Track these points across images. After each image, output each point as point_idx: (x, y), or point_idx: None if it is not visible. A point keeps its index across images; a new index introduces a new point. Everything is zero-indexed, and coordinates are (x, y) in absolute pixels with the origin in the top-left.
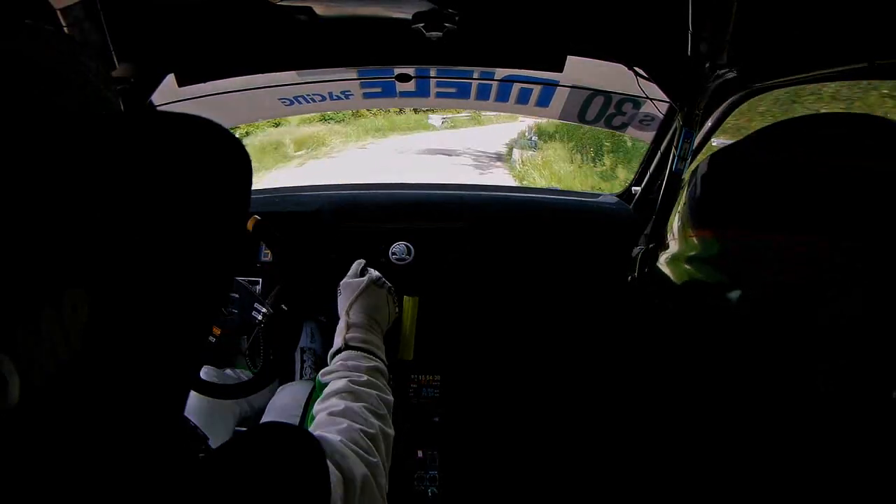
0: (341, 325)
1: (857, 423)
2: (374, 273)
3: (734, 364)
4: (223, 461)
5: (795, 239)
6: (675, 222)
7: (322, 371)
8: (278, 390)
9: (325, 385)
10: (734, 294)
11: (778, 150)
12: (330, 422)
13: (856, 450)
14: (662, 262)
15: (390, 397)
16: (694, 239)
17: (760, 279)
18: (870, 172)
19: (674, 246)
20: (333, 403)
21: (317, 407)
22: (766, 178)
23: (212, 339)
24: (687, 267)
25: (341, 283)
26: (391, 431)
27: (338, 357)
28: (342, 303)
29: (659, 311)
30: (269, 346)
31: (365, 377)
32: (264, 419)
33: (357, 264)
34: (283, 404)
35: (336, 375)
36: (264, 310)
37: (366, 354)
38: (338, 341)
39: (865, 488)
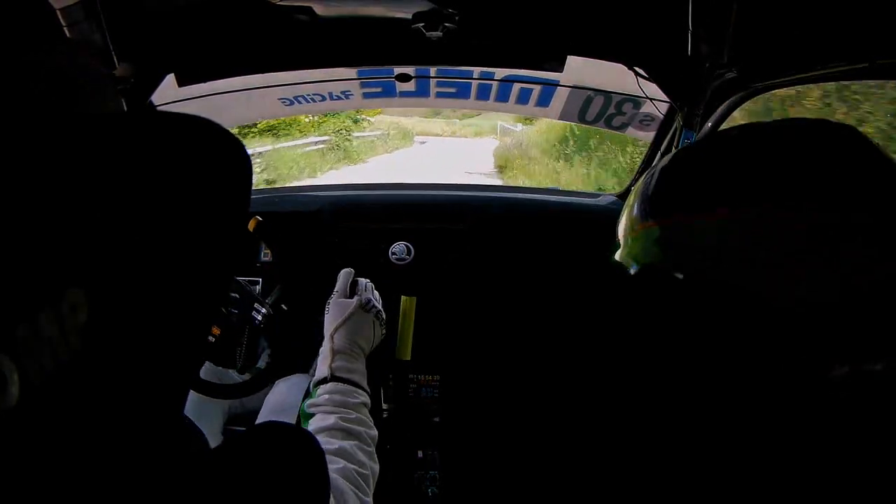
0: (326, 351)
1: (811, 411)
2: (365, 296)
3: (716, 355)
4: (224, 461)
5: (740, 212)
6: (621, 224)
7: (308, 402)
8: (275, 385)
9: (311, 416)
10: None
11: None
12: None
13: (824, 441)
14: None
15: (375, 432)
16: (639, 232)
17: (700, 257)
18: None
19: (622, 250)
20: (326, 440)
21: None
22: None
23: (211, 338)
24: (633, 254)
25: (330, 301)
26: (377, 468)
27: (324, 389)
28: (328, 323)
29: (652, 306)
30: (268, 346)
31: (354, 414)
32: (262, 415)
33: (345, 275)
34: (280, 400)
35: (323, 410)
36: (264, 310)
37: (353, 388)
38: (322, 370)
39: (862, 484)
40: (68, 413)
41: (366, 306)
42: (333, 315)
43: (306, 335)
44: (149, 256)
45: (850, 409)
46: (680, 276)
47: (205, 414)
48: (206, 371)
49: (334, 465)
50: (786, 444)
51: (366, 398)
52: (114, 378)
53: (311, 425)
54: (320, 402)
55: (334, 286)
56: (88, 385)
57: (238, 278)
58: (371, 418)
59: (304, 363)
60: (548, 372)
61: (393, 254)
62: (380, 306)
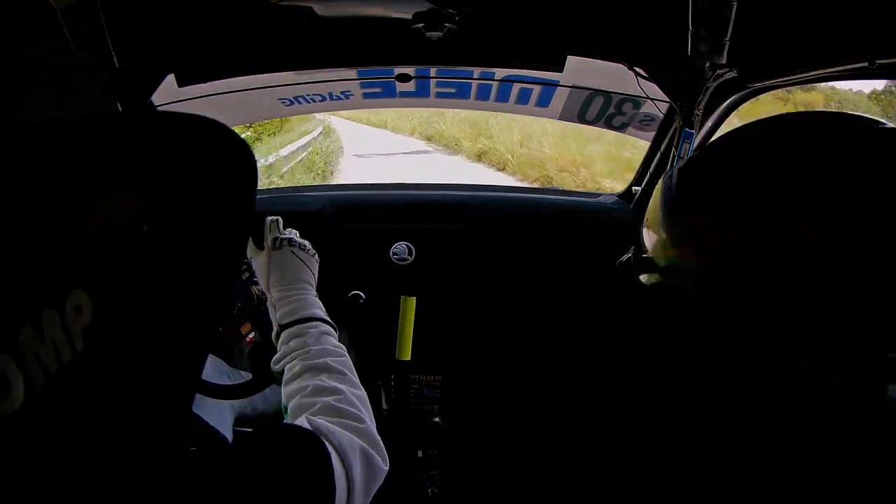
0: (269, 306)
1: (843, 420)
2: (268, 239)
3: (724, 356)
4: (227, 462)
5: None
6: (646, 228)
7: (273, 360)
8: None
9: (282, 372)
10: (707, 276)
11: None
12: (305, 406)
13: (846, 448)
14: (643, 277)
15: (346, 357)
16: (664, 236)
17: (739, 259)
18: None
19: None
20: (299, 387)
21: (284, 399)
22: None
23: (252, 334)
24: (660, 258)
25: (249, 258)
26: (361, 392)
27: (279, 342)
28: (261, 284)
29: (651, 306)
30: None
31: (312, 349)
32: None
33: (269, 222)
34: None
35: (286, 360)
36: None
37: (304, 325)
38: (274, 326)
39: (862, 487)
40: (73, 414)
41: (275, 245)
42: (257, 272)
43: None
44: (154, 257)
45: (848, 409)
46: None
47: (213, 415)
48: (214, 371)
49: (314, 407)
50: (783, 444)
51: (323, 327)
52: (118, 379)
53: (284, 381)
54: (280, 356)
55: (336, 286)
56: (93, 386)
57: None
58: (341, 346)
59: None
60: (548, 372)
61: (394, 254)
62: (292, 235)
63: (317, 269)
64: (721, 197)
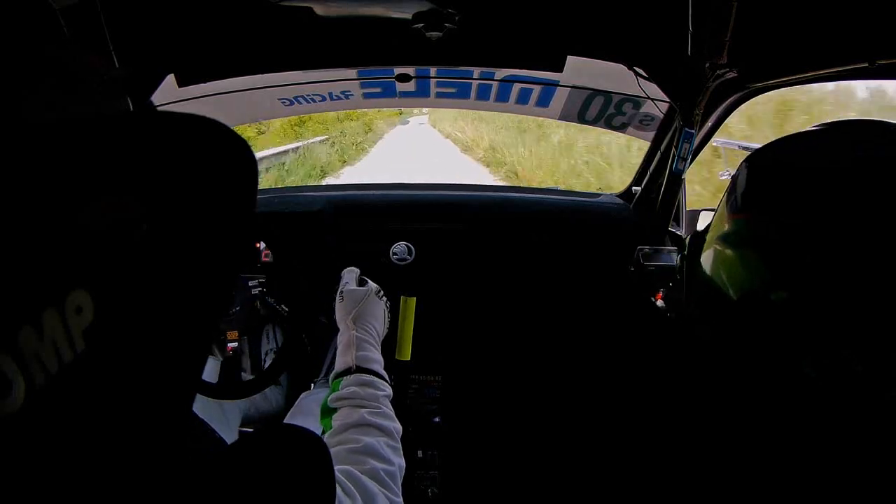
0: (347, 340)
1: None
2: (373, 284)
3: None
4: (226, 462)
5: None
6: (711, 216)
7: (332, 396)
8: (300, 397)
9: (334, 410)
10: (769, 277)
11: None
12: (353, 460)
13: (860, 453)
14: (701, 259)
15: (399, 426)
16: (729, 223)
17: (802, 263)
18: None
19: (711, 234)
20: (353, 438)
21: (331, 440)
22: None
23: (233, 344)
24: (722, 250)
25: (343, 290)
26: (404, 463)
27: (348, 381)
28: (343, 311)
29: (664, 319)
30: (273, 318)
31: (382, 408)
32: (287, 418)
33: (351, 272)
34: (300, 410)
35: (349, 404)
36: (256, 280)
37: (377, 379)
38: (346, 360)
39: (866, 489)
40: (73, 415)
41: (378, 293)
42: (349, 302)
43: (307, 334)
44: (154, 257)
45: (848, 408)
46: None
47: (219, 417)
48: (212, 371)
49: (363, 466)
50: (781, 443)
51: (389, 390)
52: (118, 379)
53: (336, 420)
54: (346, 396)
55: (335, 286)
56: (93, 387)
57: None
58: (393, 411)
59: (305, 362)
60: (548, 372)
61: (394, 254)
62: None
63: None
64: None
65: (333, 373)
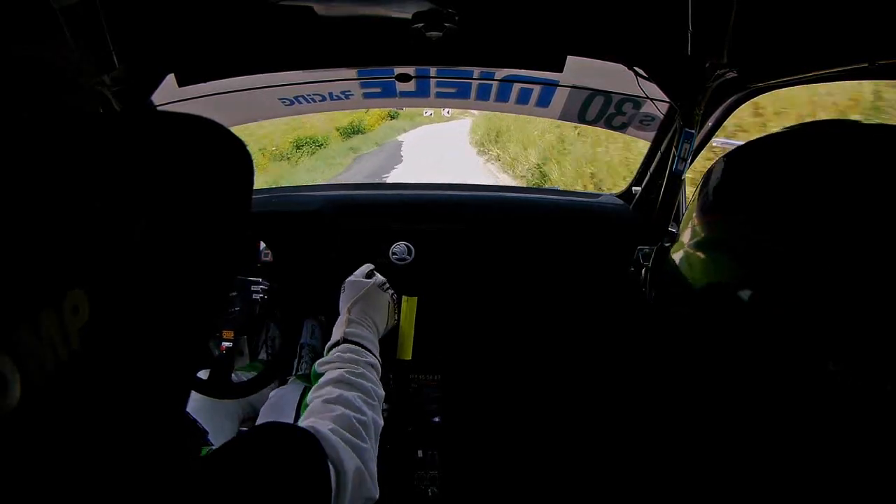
0: (341, 320)
1: (869, 423)
2: (380, 277)
3: (742, 358)
4: (225, 461)
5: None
6: (684, 217)
7: (319, 361)
8: (271, 394)
9: (321, 374)
10: (742, 278)
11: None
12: (324, 408)
13: (865, 452)
14: (672, 255)
15: (382, 391)
16: (700, 226)
17: (771, 260)
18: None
19: (682, 237)
20: (328, 391)
21: (312, 394)
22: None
23: (228, 343)
24: (694, 253)
25: (346, 280)
26: (381, 421)
27: (335, 349)
28: (344, 300)
29: (660, 311)
30: (273, 320)
31: (360, 369)
32: (261, 416)
33: (366, 266)
34: (275, 406)
35: (333, 366)
36: (263, 285)
37: (363, 349)
38: (336, 334)
39: (872, 488)
40: (69, 413)
41: (382, 286)
42: (350, 291)
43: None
44: (150, 257)
45: (846, 407)
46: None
47: (216, 417)
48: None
49: (332, 413)
50: (780, 442)
51: (374, 360)
52: (114, 378)
53: (320, 380)
54: (331, 360)
55: (336, 286)
56: (89, 385)
57: (241, 278)
58: (378, 380)
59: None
60: (548, 372)
61: (393, 254)
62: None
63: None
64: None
65: (327, 345)
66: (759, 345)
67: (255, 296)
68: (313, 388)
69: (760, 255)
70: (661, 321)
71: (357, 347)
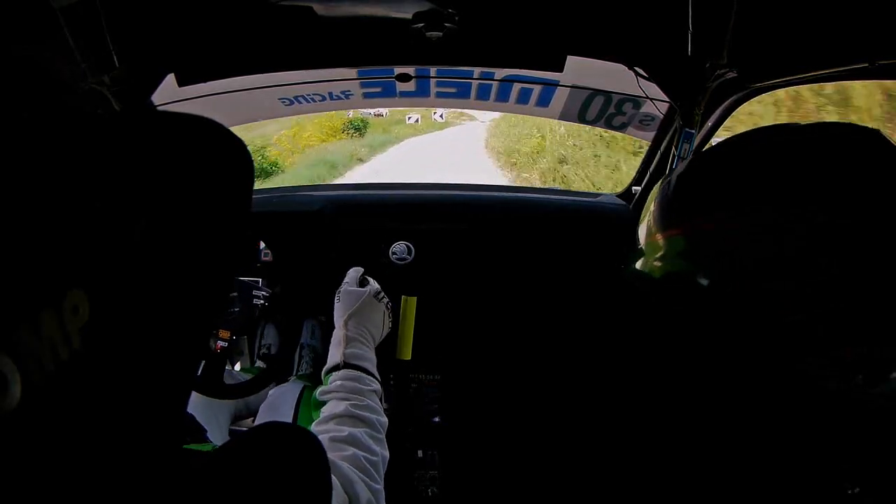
0: (338, 338)
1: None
2: (374, 286)
3: (716, 355)
4: (225, 461)
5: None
6: (641, 231)
7: (320, 390)
8: (269, 393)
9: (322, 403)
10: (701, 279)
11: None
12: (333, 447)
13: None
14: (636, 267)
15: (385, 419)
16: (660, 241)
17: (724, 259)
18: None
19: (643, 252)
20: (336, 429)
21: (315, 427)
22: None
23: (223, 343)
24: (657, 264)
25: (340, 290)
26: (387, 454)
27: (336, 375)
28: (340, 311)
29: (649, 307)
30: (272, 328)
31: (365, 400)
32: (258, 419)
33: (355, 271)
34: (273, 404)
35: (336, 396)
36: (263, 292)
37: (365, 375)
38: (335, 356)
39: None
40: (69, 413)
41: (377, 295)
42: (345, 303)
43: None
44: (150, 257)
45: (845, 407)
46: (704, 282)
47: (211, 414)
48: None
49: (343, 452)
50: (779, 442)
51: (376, 385)
52: (115, 378)
53: (324, 412)
54: (332, 389)
55: (335, 286)
56: (89, 385)
57: (238, 278)
58: (381, 406)
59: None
60: (548, 372)
61: (393, 254)
62: (389, 301)
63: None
64: (717, 197)
65: (325, 368)
66: (740, 345)
67: (255, 301)
68: (316, 421)
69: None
70: (658, 319)
71: (359, 374)
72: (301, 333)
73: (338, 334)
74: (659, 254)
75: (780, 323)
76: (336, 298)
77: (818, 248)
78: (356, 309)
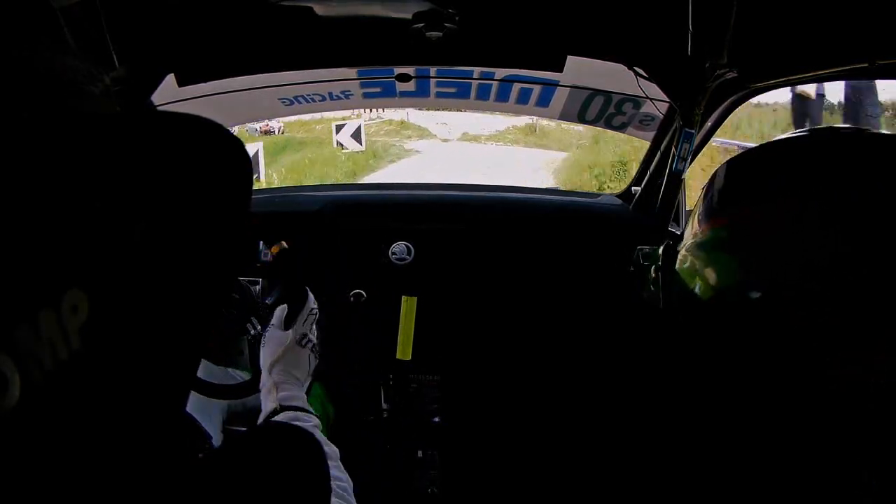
0: (268, 386)
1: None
2: (299, 329)
3: (746, 361)
4: (225, 461)
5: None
6: (688, 224)
7: None
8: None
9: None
10: (745, 275)
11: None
12: None
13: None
14: (677, 259)
15: (336, 449)
16: (706, 231)
17: (772, 252)
18: None
19: (685, 239)
20: None
21: None
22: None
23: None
24: (698, 254)
25: (266, 334)
26: (345, 477)
27: (277, 419)
28: (265, 357)
29: (660, 315)
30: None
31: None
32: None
33: (281, 310)
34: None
35: None
36: (258, 328)
37: (303, 413)
38: (269, 404)
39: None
40: (69, 412)
41: (301, 341)
42: (270, 349)
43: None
44: (149, 257)
45: (848, 407)
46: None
47: (205, 413)
48: (208, 370)
49: None
50: (781, 442)
51: (316, 420)
52: (114, 377)
53: None
54: None
55: (335, 286)
56: (89, 384)
57: (239, 279)
58: (325, 438)
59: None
60: (548, 372)
61: (393, 254)
62: (315, 339)
63: None
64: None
65: (261, 417)
66: (772, 345)
67: (248, 327)
68: None
69: (773, 257)
70: (669, 323)
71: (297, 413)
72: None
73: (266, 382)
74: (700, 239)
75: (815, 324)
76: (262, 343)
77: (860, 254)
78: (278, 357)
